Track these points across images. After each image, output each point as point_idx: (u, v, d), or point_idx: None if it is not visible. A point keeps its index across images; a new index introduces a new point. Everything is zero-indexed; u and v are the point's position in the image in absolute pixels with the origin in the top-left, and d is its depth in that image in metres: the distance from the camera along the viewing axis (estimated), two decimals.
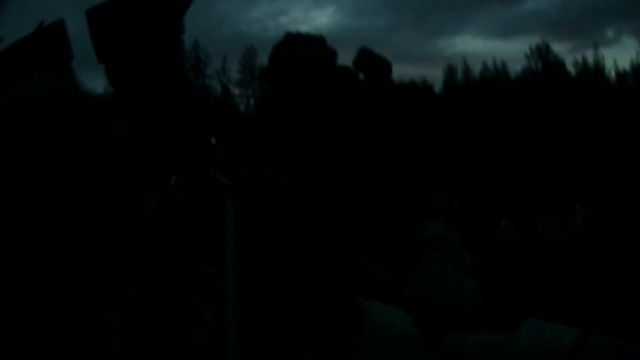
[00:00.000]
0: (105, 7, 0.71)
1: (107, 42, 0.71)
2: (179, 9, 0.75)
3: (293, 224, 0.78)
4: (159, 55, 0.73)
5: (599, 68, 37.52)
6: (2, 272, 0.58)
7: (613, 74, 37.78)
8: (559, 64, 36.80)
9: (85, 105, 0.64)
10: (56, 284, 0.60)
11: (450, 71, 48.02)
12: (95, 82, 0.70)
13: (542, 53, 37.75)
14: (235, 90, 47.32)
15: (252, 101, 47.38)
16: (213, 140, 0.77)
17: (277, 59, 1.44)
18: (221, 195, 0.75)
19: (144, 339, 0.68)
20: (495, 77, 41.86)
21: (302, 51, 1.35)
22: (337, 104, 1.28)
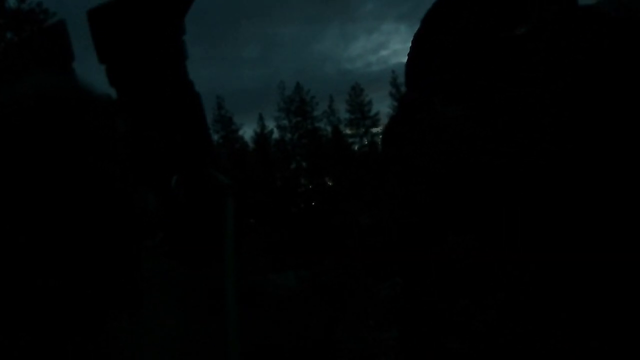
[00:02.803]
0: (106, 7, 0.73)
1: (108, 43, 0.73)
2: (180, 9, 0.76)
3: None
4: (159, 56, 0.74)
5: None
6: (7, 272, 0.59)
7: None
8: None
9: (86, 105, 0.66)
10: (60, 282, 0.62)
11: None
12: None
13: None
14: (347, 130, 48.03)
15: (365, 140, 47.78)
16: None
17: None
18: (221, 195, 0.74)
19: (149, 338, 0.68)
20: None
21: None
22: None
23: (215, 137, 46.72)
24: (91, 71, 0.80)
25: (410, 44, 1.12)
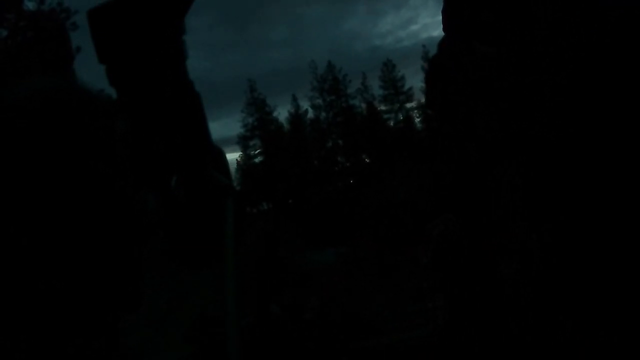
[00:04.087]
0: (106, 7, 0.73)
1: (108, 43, 0.73)
2: (180, 9, 0.75)
3: None
4: (160, 56, 0.74)
5: None
6: (8, 273, 0.59)
7: None
8: None
9: (86, 105, 0.67)
10: (62, 284, 0.63)
11: None
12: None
13: None
14: (381, 107, 47.52)
15: (400, 115, 47.17)
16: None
17: None
18: (221, 195, 0.74)
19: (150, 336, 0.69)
20: None
21: None
22: None
23: (250, 120, 46.83)
24: (91, 71, 0.81)
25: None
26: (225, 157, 0.80)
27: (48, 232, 0.61)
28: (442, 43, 1.32)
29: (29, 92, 0.65)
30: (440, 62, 1.33)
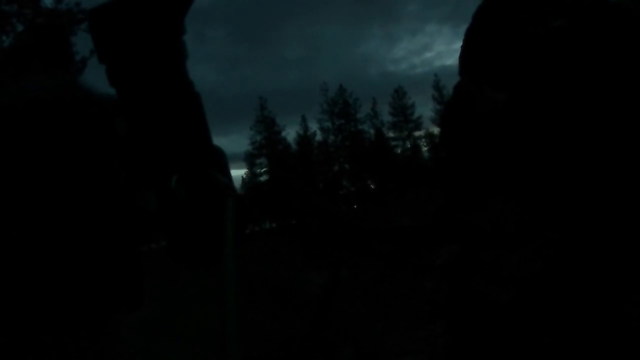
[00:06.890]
0: (107, 7, 0.73)
1: (108, 42, 0.74)
2: (180, 9, 0.76)
3: None
4: (160, 56, 0.75)
5: None
6: (7, 274, 0.60)
7: None
8: None
9: (86, 104, 0.67)
10: (61, 284, 0.62)
11: None
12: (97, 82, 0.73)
13: None
14: (389, 133, 47.73)
15: (407, 143, 47.33)
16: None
17: None
18: (221, 195, 0.74)
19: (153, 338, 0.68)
20: None
21: None
22: None
23: (258, 137, 47.10)
24: (93, 71, 0.81)
25: (458, 43, 1.20)
26: (226, 157, 0.80)
27: (46, 234, 0.61)
28: (457, 87, 1.36)
29: (28, 92, 0.65)
30: (454, 105, 1.38)
